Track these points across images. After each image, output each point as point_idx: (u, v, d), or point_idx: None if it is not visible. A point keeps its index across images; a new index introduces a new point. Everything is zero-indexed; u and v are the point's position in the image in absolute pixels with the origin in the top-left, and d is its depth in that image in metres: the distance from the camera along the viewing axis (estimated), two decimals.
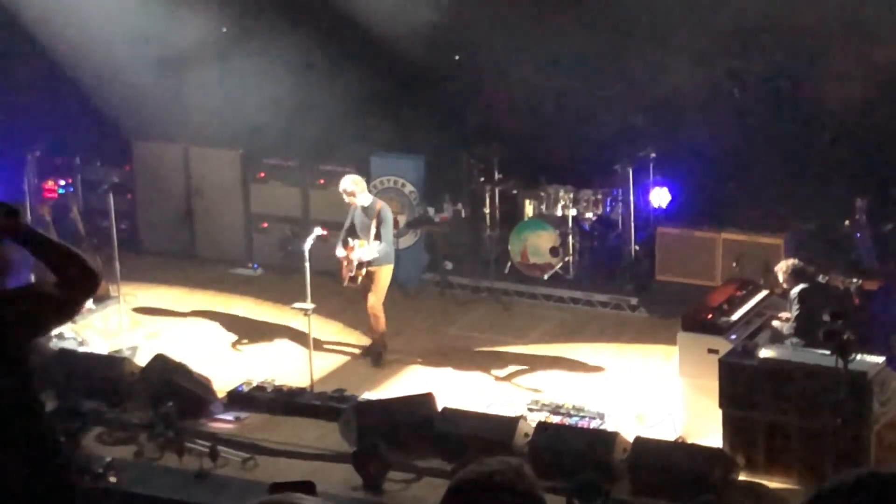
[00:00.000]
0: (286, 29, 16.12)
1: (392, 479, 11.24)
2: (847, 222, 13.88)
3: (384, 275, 13.59)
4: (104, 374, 12.85)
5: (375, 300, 13.57)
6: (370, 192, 14.08)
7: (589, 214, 15.46)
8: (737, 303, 12.38)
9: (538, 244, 15.40)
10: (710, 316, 12.01)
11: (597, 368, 13.57)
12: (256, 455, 11.73)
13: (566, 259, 15.42)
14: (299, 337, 13.64)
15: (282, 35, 16.08)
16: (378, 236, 13.38)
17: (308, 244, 12.92)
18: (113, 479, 11.13)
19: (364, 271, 13.45)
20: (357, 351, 14.09)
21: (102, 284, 15.13)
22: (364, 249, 13.39)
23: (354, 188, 13.52)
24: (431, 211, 15.88)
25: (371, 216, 13.40)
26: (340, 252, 13.54)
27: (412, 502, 11.06)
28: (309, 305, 12.85)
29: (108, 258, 14.45)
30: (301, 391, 12.90)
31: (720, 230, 14.71)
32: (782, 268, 12.34)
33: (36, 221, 15.09)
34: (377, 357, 13.76)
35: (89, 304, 14.92)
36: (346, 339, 14.40)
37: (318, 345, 13.44)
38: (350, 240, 13.49)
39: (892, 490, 2.75)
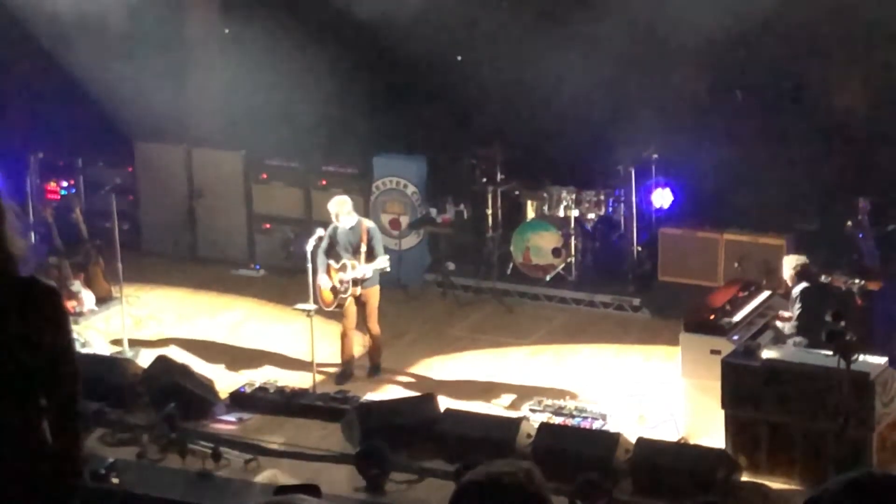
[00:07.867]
0: (288, 30, 16.10)
1: (395, 479, 11.25)
2: (849, 223, 13.85)
3: (376, 295, 13.29)
4: (106, 375, 12.82)
5: (373, 322, 13.31)
6: (372, 192, 13.98)
7: (591, 215, 15.45)
8: (739, 303, 12.38)
9: (540, 245, 15.39)
10: (712, 317, 12.01)
11: (599, 369, 13.57)
12: (259, 456, 11.73)
13: (568, 260, 15.41)
14: (302, 338, 13.63)
15: (284, 36, 16.06)
16: (373, 252, 13.07)
17: (310, 245, 12.92)
18: (115, 480, 11.13)
19: (359, 291, 13.08)
20: (358, 349, 14.08)
21: (105, 286, 15.19)
22: (365, 266, 12.98)
23: (339, 210, 13.04)
24: (434, 212, 15.88)
25: (358, 235, 13.11)
26: (325, 282, 13.06)
27: (415, 503, 11.07)
28: (311, 306, 12.85)
29: (110, 259, 14.46)
30: (303, 392, 12.90)
31: (722, 231, 14.70)
32: (791, 263, 12.32)
33: (38, 223, 15.14)
34: (377, 369, 13.63)
35: (92, 305, 14.97)
36: None
37: (321, 346, 13.44)
38: (335, 262, 13.09)
39: (886, 491, 2.75)
